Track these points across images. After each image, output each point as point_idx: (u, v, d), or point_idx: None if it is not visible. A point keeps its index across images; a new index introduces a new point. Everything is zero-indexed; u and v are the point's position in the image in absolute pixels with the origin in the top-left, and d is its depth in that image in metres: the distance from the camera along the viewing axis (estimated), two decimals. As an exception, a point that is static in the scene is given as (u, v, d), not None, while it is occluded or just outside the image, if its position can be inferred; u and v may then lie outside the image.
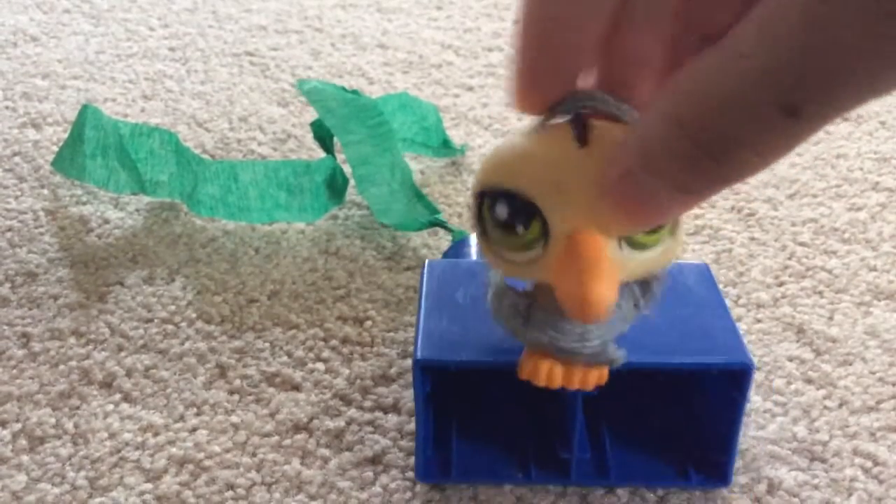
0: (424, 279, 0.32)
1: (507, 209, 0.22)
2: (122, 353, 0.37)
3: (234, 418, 0.34)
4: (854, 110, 0.16)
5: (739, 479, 0.32)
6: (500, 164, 0.22)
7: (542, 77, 0.21)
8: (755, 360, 0.37)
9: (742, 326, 0.39)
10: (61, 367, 0.37)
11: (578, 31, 0.20)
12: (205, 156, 0.51)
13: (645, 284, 0.26)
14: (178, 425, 0.34)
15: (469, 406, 0.34)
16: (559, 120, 0.21)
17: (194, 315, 0.39)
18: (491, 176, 0.22)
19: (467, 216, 0.46)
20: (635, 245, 0.23)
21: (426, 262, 0.33)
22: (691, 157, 0.17)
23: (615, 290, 0.22)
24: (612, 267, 0.22)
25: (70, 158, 0.46)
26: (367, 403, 0.35)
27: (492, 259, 0.24)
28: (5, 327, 0.39)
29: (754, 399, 0.35)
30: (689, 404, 0.33)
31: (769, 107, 0.16)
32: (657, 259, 0.23)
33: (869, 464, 0.32)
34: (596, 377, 0.27)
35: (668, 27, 0.21)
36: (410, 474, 0.32)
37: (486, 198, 0.23)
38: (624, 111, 0.21)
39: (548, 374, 0.26)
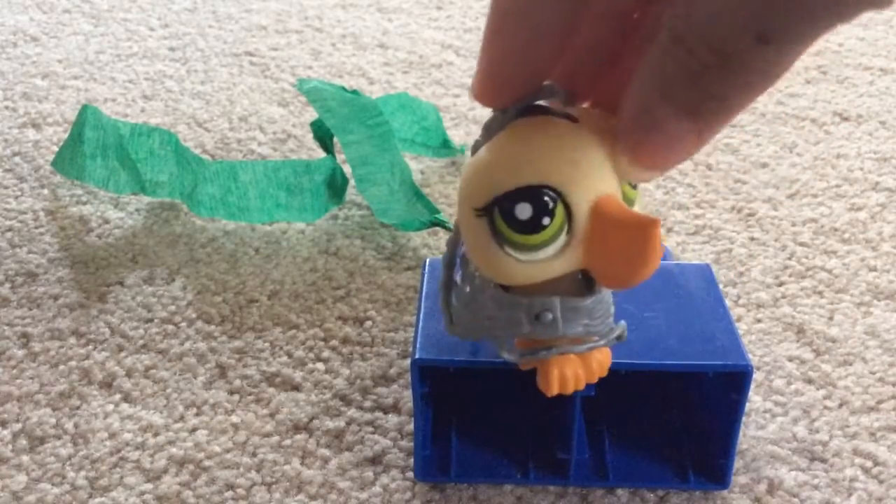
0: (425, 279, 0.32)
1: (530, 206, 0.21)
2: (122, 353, 0.37)
3: (234, 418, 0.34)
4: (821, 37, 0.17)
5: (739, 479, 0.32)
6: (507, 167, 0.22)
7: (506, 73, 0.22)
8: (755, 360, 0.37)
9: (742, 326, 0.39)
10: (61, 367, 0.37)
11: (542, 30, 0.21)
12: (205, 156, 0.51)
13: None
14: (178, 425, 0.34)
15: (468, 406, 0.34)
16: (512, 115, 0.22)
17: (194, 315, 0.39)
18: (502, 180, 0.22)
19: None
20: (629, 203, 0.22)
21: (426, 260, 0.33)
22: (702, 75, 0.19)
23: None
24: None
25: (70, 158, 0.46)
26: (367, 403, 0.35)
27: (512, 271, 0.22)
28: (5, 327, 0.39)
29: (754, 399, 0.35)
30: (688, 406, 0.33)
31: (744, 33, 0.17)
32: None
33: (869, 464, 0.32)
34: (607, 359, 0.26)
35: (624, 22, 0.22)
36: (410, 474, 0.32)
37: (499, 206, 0.22)
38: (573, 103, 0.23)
39: (574, 377, 0.25)
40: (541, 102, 0.22)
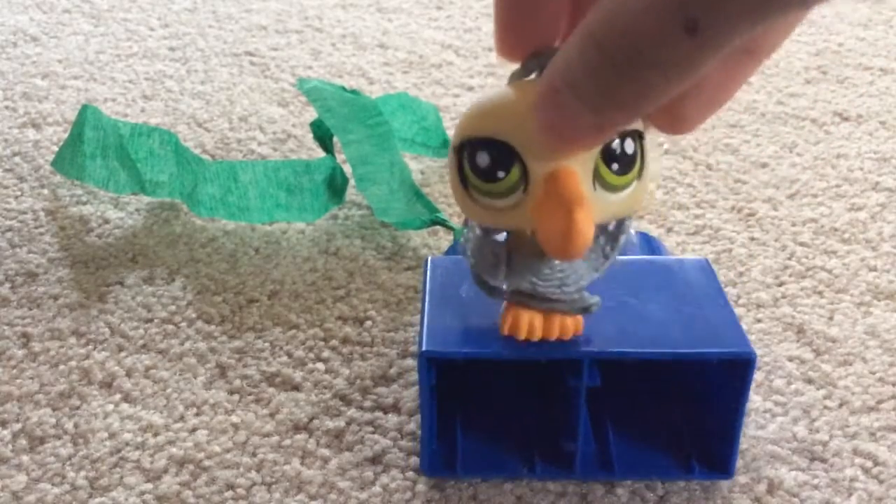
0: (427, 276, 0.32)
1: (488, 156, 0.23)
2: (122, 353, 0.37)
3: (234, 418, 0.34)
4: (751, 33, 0.17)
5: (739, 479, 0.32)
6: (478, 115, 0.23)
7: (518, 25, 0.22)
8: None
9: (742, 326, 0.39)
10: (61, 367, 0.37)
11: None
12: (205, 156, 0.51)
13: (611, 235, 0.27)
14: (178, 425, 0.34)
15: (473, 401, 0.34)
16: (534, 73, 0.23)
17: (194, 315, 0.39)
18: (470, 126, 0.24)
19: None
20: (607, 186, 0.24)
21: (427, 258, 0.33)
22: (604, 74, 0.18)
23: (592, 227, 0.23)
24: (589, 203, 0.23)
25: (70, 158, 0.46)
26: (367, 403, 0.35)
27: (472, 210, 0.25)
28: (5, 327, 0.39)
29: (754, 399, 0.35)
30: (691, 397, 0.33)
31: (670, 23, 0.17)
32: (625, 202, 0.25)
33: (869, 464, 0.32)
34: (573, 326, 0.28)
35: None
36: (410, 474, 0.32)
37: (467, 149, 0.24)
38: None
39: (529, 325, 0.27)
40: None
